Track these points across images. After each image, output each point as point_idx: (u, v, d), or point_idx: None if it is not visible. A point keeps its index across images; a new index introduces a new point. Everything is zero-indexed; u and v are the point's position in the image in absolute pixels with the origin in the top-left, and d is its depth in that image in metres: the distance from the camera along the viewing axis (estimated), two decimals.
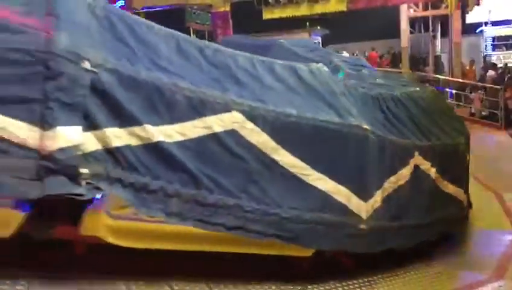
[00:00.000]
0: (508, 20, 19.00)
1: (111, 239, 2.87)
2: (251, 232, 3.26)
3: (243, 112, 3.23)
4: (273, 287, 3.49)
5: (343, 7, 15.57)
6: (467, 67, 15.41)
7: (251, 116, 3.26)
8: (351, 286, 3.77)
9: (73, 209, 2.76)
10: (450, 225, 4.89)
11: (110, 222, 2.87)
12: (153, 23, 3.29)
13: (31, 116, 2.58)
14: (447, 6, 15.99)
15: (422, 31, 18.48)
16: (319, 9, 15.86)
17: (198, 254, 3.14)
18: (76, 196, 2.63)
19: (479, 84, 13.76)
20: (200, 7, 17.46)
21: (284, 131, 3.38)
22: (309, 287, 3.60)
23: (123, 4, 16.31)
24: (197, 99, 3.09)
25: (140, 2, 16.30)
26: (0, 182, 2.51)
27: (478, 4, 16.92)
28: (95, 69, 2.74)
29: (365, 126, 3.82)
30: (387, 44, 19.91)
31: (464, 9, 16.69)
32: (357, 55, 18.32)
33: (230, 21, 16.25)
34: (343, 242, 3.69)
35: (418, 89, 5.17)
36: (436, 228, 4.58)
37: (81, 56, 2.70)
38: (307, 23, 17.23)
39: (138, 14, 14.94)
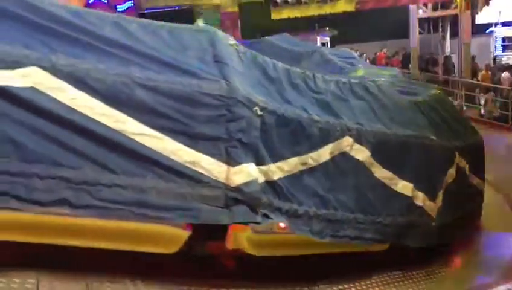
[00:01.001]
0: None
1: (251, 250, 3.28)
2: (366, 240, 3.77)
3: (352, 136, 3.70)
4: (281, 288, 3.49)
5: (351, 8, 15.51)
6: (483, 72, 15.15)
7: (357, 138, 3.72)
8: (359, 287, 3.77)
9: (221, 227, 3.13)
10: (479, 213, 5.49)
11: (252, 236, 3.25)
12: (272, 60, 3.69)
13: (218, 152, 3.04)
14: (456, 7, 15.88)
15: (432, 31, 18.37)
16: (327, 9, 15.80)
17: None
18: (254, 223, 3.14)
19: (491, 85, 13.63)
20: (209, 8, 17.48)
21: (377, 147, 3.83)
22: (321, 286, 3.60)
23: (132, 5, 16.37)
24: (325, 129, 3.55)
25: (149, 3, 16.35)
26: (197, 209, 2.95)
27: (487, 4, 16.79)
28: (262, 113, 3.20)
29: (432, 137, 4.35)
30: (396, 45, 19.79)
31: (474, 10, 16.56)
32: (362, 55, 18.24)
33: (239, 22, 16.26)
34: (420, 238, 4.19)
35: (438, 91, 5.69)
36: (472, 216, 5.26)
37: (253, 102, 3.18)
38: (316, 24, 17.18)
39: (143, 15, 15.00)
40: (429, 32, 18.51)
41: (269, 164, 3.23)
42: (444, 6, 16.80)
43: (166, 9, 16.37)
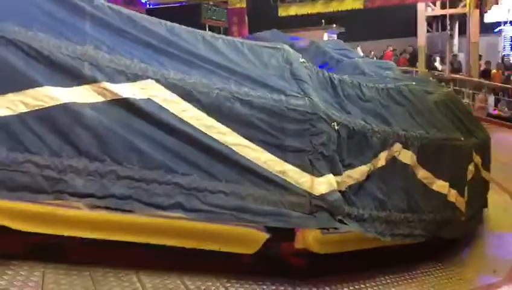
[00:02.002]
0: None
1: (317, 249, 3.54)
2: (415, 236, 4.06)
3: (401, 142, 3.94)
4: (282, 288, 3.48)
5: (359, 5, 15.45)
6: (494, 71, 14.98)
7: (405, 143, 3.98)
8: (363, 286, 3.76)
9: (290, 229, 3.39)
10: (486, 202, 5.73)
11: (319, 236, 3.49)
12: (328, 72, 3.91)
13: (303, 163, 3.29)
14: (465, 5, 15.79)
15: (440, 30, 18.27)
16: (335, 7, 15.77)
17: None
18: (334, 229, 3.40)
19: (499, 84, 13.54)
20: (216, 3, 17.48)
21: (420, 150, 4.07)
22: (314, 282, 3.60)
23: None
24: (382, 138, 3.82)
25: None
26: (287, 215, 3.22)
27: (497, 3, 16.66)
28: (337, 128, 3.46)
29: (462, 137, 4.65)
30: (404, 43, 19.70)
31: (482, 9, 16.45)
32: (370, 52, 18.17)
33: (246, 18, 16.24)
34: (452, 231, 4.50)
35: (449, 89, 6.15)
36: (482, 207, 5.63)
37: (331, 118, 3.45)
38: (323, 20, 17.13)
39: (149, 10, 14.97)
40: (437, 30, 18.40)
41: (342, 174, 3.48)
42: (453, 5, 16.69)
43: (173, 5, 16.36)
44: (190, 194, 2.98)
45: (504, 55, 18.50)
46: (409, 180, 4.02)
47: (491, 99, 14.23)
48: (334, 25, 17.37)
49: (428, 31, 17.84)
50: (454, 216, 4.46)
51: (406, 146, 3.97)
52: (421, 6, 16.74)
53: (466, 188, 4.64)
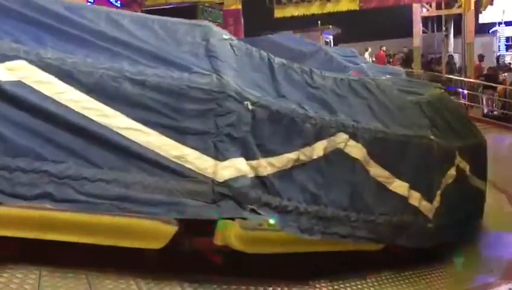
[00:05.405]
0: None
1: (239, 247, 3.13)
2: (358, 238, 3.64)
3: (347, 132, 3.60)
4: (278, 288, 3.47)
5: (355, 6, 15.48)
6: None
7: (353, 134, 3.63)
8: (359, 286, 3.75)
9: (206, 223, 3.05)
10: (480, 214, 5.40)
11: (241, 233, 3.09)
12: (268, 54, 3.64)
13: (205, 147, 3.00)
14: (460, 6, 15.84)
15: (435, 30, 18.33)
16: (330, 8, 15.79)
17: None
18: (241, 219, 3.04)
19: (494, 84, 13.55)
20: (212, 5, 17.47)
21: (374, 145, 3.73)
22: (310, 283, 3.59)
23: None
24: (319, 125, 3.46)
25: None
26: (183, 204, 2.92)
27: (492, 4, 16.74)
28: (253, 108, 3.14)
29: (431, 137, 4.23)
30: (400, 43, 19.76)
31: (478, 9, 16.51)
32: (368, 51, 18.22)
33: (242, 19, 16.24)
34: (415, 239, 4.04)
35: (441, 90, 5.68)
36: (472, 217, 5.17)
37: (244, 96, 3.14)
38: (319, 22, 17.17)
39: (145, 12, 14.91)
40: (432, 31, 18.46)
41: (259, 159, 3.17)
42: (448, 5, 16.76)
43: (168, 7, 16.33)
44: (63, 183, 2.72)
45: (499, 55, 18.59)
46: (358, 176, 3.67)
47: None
48: (330, 26, 17.40)
49: (423, 32, 17.89)
50: (417, 222, 4.05)
51: (354, 138, 3.63)
52: (416, 7, 16.77)
53: (439, 193, 4.26)
